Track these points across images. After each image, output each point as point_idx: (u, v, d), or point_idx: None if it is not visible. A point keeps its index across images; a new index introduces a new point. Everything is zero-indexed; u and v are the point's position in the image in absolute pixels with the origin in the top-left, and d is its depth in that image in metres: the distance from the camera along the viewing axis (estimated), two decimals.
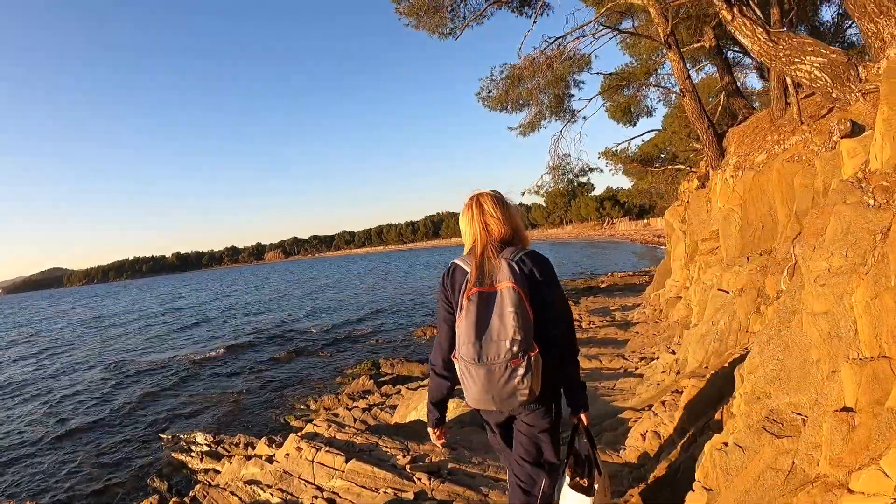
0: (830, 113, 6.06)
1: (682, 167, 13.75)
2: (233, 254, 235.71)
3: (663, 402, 4.92)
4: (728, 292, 6.38)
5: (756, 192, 7.07)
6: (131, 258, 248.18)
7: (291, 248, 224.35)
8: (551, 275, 2.33)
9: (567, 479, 2.55)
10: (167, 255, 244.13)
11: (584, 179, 12.36)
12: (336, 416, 8.45)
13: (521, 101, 12.21)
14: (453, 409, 6.65)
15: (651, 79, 16.17)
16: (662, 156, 17.59)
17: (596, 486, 2.49)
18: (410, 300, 33.87)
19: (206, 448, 9.93)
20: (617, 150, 15.10)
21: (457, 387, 2.43)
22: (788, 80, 7.03)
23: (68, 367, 23.31)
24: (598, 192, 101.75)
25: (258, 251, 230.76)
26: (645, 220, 78.77)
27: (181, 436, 11.16)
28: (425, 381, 11.68)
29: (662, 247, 52.53)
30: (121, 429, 13.13)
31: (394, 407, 8.93)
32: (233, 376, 17.81)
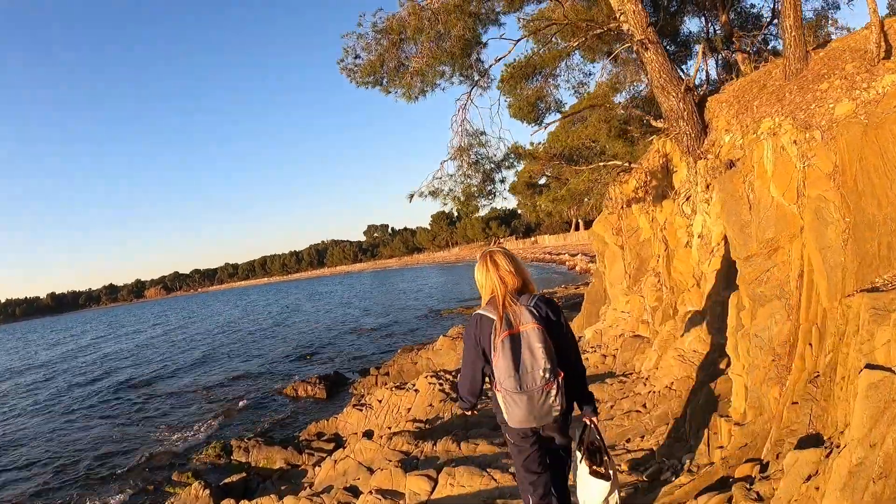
0: None
1: (618, 163, 10.62)
2: (111, 292, 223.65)
3: None
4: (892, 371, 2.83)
5: (874, 164, 3.70)
6: (3, 300, 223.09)
7: (173, 283, 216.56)
8: (559, 314, 2.94)
9: (586, 469, 3.09)
10: (41, 297, 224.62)
11: (510, 174, 8.74)
12: None
13: (405, 70, 8.36)
14: None
15: (562, 65, 13.08)
16: (587, 152, 14.50)
17: (611, 472, 3.10)
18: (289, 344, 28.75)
19: None
20: (531, 146, 11.71)
21: None
22: None
23: None
24: (483, 212, 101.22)
25: (138, 288, 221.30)
26: (532, 239, 78.66)
27: None
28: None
29: (554, 264, 51.41)
30: None
31: None
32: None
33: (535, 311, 2.80)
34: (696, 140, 7.14)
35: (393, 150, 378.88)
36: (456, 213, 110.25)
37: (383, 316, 34.94)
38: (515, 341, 2.75)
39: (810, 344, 3.94)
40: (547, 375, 2.72)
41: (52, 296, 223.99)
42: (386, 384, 14.28)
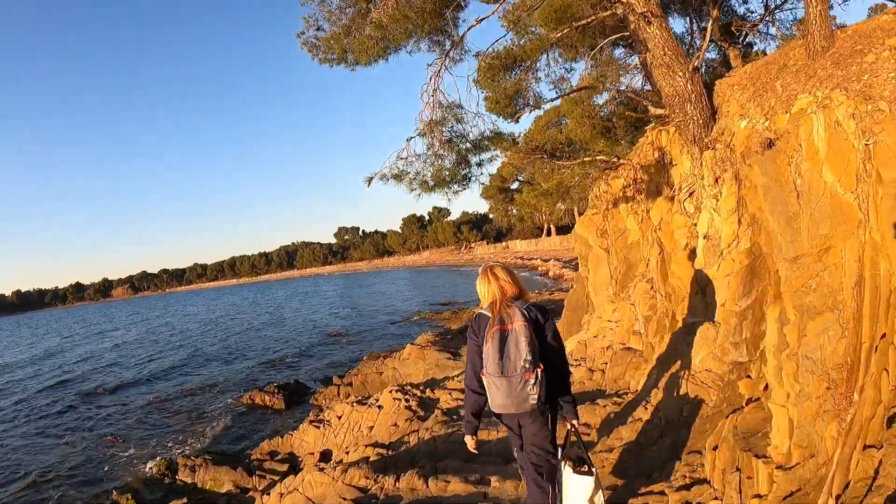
0: None
1: (605, 158, 9.73)
2: (78, 290, 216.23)
3: None
4: None
5: None
6: None
7: (141, 283, 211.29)
8: (548, 318, 3.39)
9: (570, 470, 3.33)
10: (6, 294, 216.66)
11: (486, 156, 7.74)
12: None
13: (377, 40, 7.32)
14: None
15: (543, 58, 12.22)
16: (568, 149, 13.61)
17: (594, 470, 3.35)
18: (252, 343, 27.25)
19: None
20: (510, 137, 10.76)
21: None
22: None
23: None
24: (454, 216, 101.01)
25: (105, 287, 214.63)
26: (504, 244, 78.14)
27: None
28: None
29: (527, 269, 50.59)
30: None
31: None
32: None
33: (525, 313, 3.28)
34: (704, 127, 6.28)
35: (365, 150, 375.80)
36: (427, 217, 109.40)
37: (351, 319, 33.69)
38: (504, 336, 3.20)
39: (886, 370, 3.04)
40: (527, 366, 3.11)
41: (18, 293, 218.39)
42: (348, 396, 13.17)
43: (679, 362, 6.01)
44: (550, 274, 41.00)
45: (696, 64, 6.32)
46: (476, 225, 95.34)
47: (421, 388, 8.78)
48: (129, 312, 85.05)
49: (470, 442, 3.48)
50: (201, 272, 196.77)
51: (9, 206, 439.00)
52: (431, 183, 6.34)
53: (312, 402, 14.11)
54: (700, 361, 5.29)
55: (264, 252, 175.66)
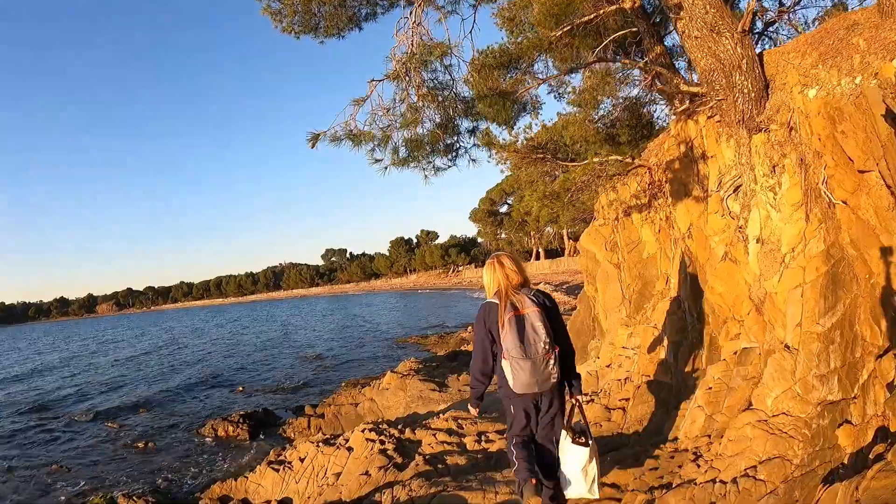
0: None
1: (618, 157, 8.45)
2: (62, 305, 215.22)
3: None
4: None
5: None
6: None
7: (126, 299, 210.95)
8: (554, 302, 3.56)
9: (569, 439, 3.47)
10: None
11: (483, 125, 6.38)
12: None
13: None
14: None
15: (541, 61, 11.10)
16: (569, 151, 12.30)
17: (591, 441, 3.48)
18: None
19: None
20: (508, 139, 9.52)
21: None
22: None
23: None
24: (442, 239, 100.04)
25: (89, 303, 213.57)
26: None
27: None
28: None
29: None
30: None
31: None
32: None
33: (534, 299, 3.44)
34: (756, 103, 5.01)
35: (353, 173, 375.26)
36: (415, 240, 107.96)
37: (333, 342, 32.03)
38: (520, 320, 3.34)
39: None
40: (547, 347, 3.30)
41: (1, 306, 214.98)
42: (318, 432, 11.62)
43: (733, 401, 4.64)
44: None
45: (745, 25, 5.06)
46: (464, 248, 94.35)
47: (400, 426, 7.31)
48: (114, 327, 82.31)
49: (473, 410, 3.83)
50: (187, 291, 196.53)
51: None
52: (403, 151, 4.91)
53: (281, 434, 12.54)
54: (774, 402, 3.92)
55: (251, 272, 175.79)
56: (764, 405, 4.11)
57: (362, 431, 7.24)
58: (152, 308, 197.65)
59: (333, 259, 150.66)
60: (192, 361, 30.80)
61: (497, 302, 3.41)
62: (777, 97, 5.06)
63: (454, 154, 5.45)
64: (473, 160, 5.57)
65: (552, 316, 3.43)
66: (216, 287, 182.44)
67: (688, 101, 6.49)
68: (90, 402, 20.93)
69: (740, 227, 5.48)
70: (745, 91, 4.96)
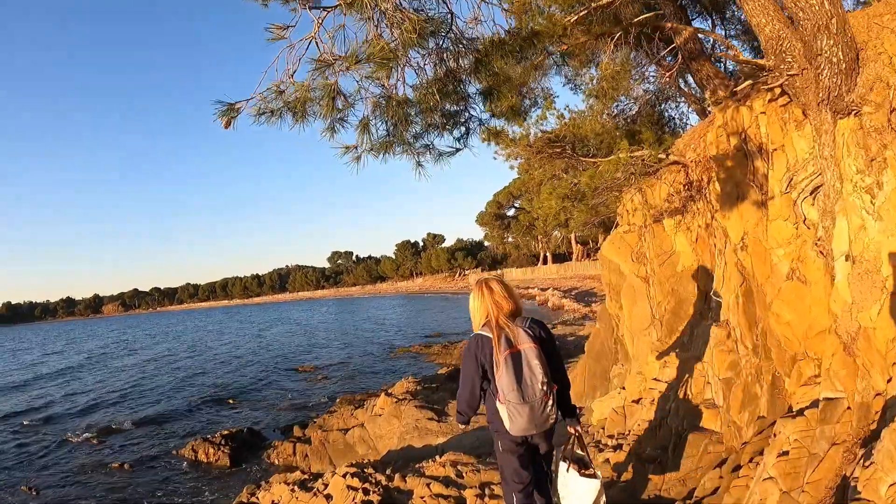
0: None
1: (648, 152, 7.26)
2: (68, 305, 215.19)
3: None
4: None
5: None
6: None
7: (132, 300, 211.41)
8: (550, 334, 3.30)
9: (575, 473, 3.29)
10: None
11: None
12: None
13: None
14: None
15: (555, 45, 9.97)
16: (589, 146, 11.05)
17: (598, 472, 3.32)
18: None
19: None
20: (519, 133, 8.40)
21: None
22: None
23: None
24: (449, 243, 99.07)
25: (96, 303, 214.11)
26: (499, 271, 75.83)
27: None
28: None
29: (524, 300, 47.75)
30: None
31: None
32: None
33: (530, 332, 3.16)
34: (847, 76, 3.82)
35: (363, 173, 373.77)
36: (422, 244, 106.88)
37: (333, 350, 30.93)
38: (516, 359, 3.08)
39: None
40: (545, 388, 3.07)
41: (7, 305, 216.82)
42: (306, 456, 10.47)
43: (821, 476, 3.46)
44: (549, 304, 38.32)
45: None
46: (471, 252, 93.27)
47: (389, 471, 6.14)
48: (115, 329, 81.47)
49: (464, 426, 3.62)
50: (193, 292, 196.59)
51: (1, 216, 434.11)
52: (379, 126, 3.59)
53: (264, 460, 11.42)
54: (892, 492, 2.74)
55: (256, 274, 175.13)
56: (875, 494, 2.92)
57: (343, 476, 6.10)
58: (158, 309, 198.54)
59: (339, 262, 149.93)
60: (188, 367, 29.82)
61: (490, 336, 3.13)
62: (870, 71, 3.87)
63: (463, 130, 4.11)
64: (491, 135, 4.22)
65: (549, 350, 3.20)
66: (222, 289, 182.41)
67: (740, 82, 5.30)
68: (80, 415, 19.82)
69: (819, 240, 4.29)
70: (834, 60, 3.77)
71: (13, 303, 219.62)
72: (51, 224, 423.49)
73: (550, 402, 3.10)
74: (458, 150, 4.03)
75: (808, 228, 4.42)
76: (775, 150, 4.81)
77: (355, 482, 5.87)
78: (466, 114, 4.01)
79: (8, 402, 23.70)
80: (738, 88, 4.89)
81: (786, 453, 3.81)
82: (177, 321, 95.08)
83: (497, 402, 3.12)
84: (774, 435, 4.08)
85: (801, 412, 4.04)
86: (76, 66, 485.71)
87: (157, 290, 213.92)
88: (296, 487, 6.52)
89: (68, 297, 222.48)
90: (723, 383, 5.04)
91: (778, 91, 4.79)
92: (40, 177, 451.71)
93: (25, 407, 21.88)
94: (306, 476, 7.01)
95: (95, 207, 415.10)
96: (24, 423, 18.84)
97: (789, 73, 4.24)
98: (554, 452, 3.46)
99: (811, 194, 4.40)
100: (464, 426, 3.50)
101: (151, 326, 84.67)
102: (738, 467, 4.30)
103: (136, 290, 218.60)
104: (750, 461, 4.20)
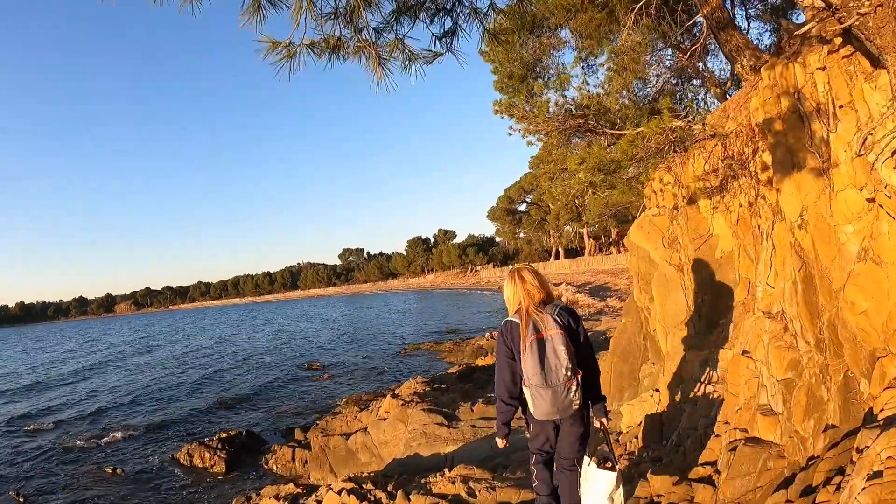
0: None
1: (680, 123, 6.45)
2: (81, 305, 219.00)
3: None
4: None
5: None
6: None
7: (144, 299, 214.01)
8: (579, 322, 3.38)
9: (594, 465, 3.35)
10: (10, 305, 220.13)
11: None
12: None
13: None
14: None
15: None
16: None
17: (617, 467, 3.38)
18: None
19: None
20: (537, 107, 7.67)
21: None
22: None
23: None
24: (460, 239, 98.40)
25: (108, 303, 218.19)
26: (510, 266, 74.98)
27: None
28: None
29: None
30: None
31: None
32: None
33: (558, 319, 3.24)
34: None
35: (373, 170, 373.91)
36: (433, 240, 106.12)
37: (342, 347, 30.34)
38: (542, 344, 3.18)
39: None
40: (568, 374, 3.15)
41: (21, 305, 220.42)
42: (305, 462, 9.78)
43: None
44: (564, 300, 37.43)
45: None
46: (482, 248, 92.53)
47: (391, 486, 5.42)
48: (128, 327, 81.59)
49: (501, 442, 3.53)
50: (205, 290, 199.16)
51: (14, 217, 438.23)
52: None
53: (261, 466, 10.76)
54: None
55: (268, 272, 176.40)
56: None
57: (339, 493, 5.38)
58: (170, 307, 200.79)
59: (351, 259, 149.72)
60: (191, 365, 29.36)
61: (518, 321, 3.28)
62: None
63: (450, 23, 3.15)
64: (489, 32, 3.16)
65: (576, 338, 3.30)
66: (233, 287, 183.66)
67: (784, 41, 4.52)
68: (86, 418, 19.26)
69: None
70: None
71: (26, 303, 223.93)
72: (65, 225, 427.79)
73: (574, 388, 3.18)
74: (437, 54, 3.03)
75: (890, 197, 3.62)
76: (840, 107, 4.00)
77: (351, 500, 5.16)
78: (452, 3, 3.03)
79: (17, 405, 23.18)
80: (801, 32, 4.08)
81: (878, 474, 3.02)
82: (191, 319, 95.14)
83: (523, 386, 3.25)
84: (858, 450, 3.30)
85: (890, 421, 3.26)
86: (74, 68, 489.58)
87: (169, 288, 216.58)
88: (287, 503, 5.84)
89: (81, 296, 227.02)
90: (782, 385, 4.25)
91: (839, 41, 4.00)
92: (56, 177, 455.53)
93: (33, 409, 21.43)
94: (299, 490, 6.33)
95: (111, 210, 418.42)
96: (28, 427, 18.35)
97: (860, 11, 3.44)
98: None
99: (892, 155, 3.60)
100: (504, 436, 3.49)
101: (165, 325, 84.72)
102: (809, 489, 3.53)
103: (148, 288, 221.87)
104: (826, 482, 3.42)
